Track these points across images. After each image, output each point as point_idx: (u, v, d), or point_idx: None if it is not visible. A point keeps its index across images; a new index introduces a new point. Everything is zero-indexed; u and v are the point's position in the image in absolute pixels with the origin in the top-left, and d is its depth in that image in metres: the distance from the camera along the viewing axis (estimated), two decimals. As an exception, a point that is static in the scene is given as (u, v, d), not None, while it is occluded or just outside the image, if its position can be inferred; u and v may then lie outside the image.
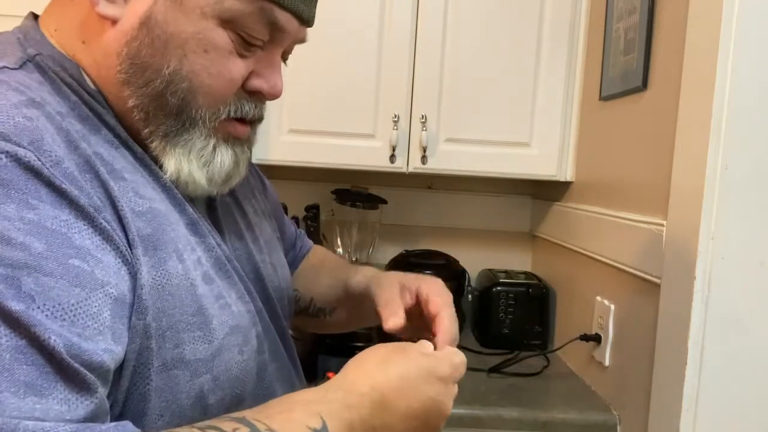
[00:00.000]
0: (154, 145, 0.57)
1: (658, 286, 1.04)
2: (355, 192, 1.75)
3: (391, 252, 1.82)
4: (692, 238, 0.93)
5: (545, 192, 1.74)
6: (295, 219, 1.63)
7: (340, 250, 1.81)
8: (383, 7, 1.48)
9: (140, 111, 0.56)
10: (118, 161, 0.54)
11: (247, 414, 0.50)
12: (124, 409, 0.51)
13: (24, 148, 0.46)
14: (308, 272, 0.92)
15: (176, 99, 0.55)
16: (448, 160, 1.52)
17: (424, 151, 1.50)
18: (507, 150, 1.53)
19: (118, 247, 0.50)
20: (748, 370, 0.92)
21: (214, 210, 0.67)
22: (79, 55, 0.56)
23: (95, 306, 0.46)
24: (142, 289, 0.51)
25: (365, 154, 1.51)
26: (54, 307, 0.43)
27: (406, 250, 1.79)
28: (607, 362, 1.26)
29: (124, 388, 0.51)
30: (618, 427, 1.19)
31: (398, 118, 1.49)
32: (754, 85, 0.89)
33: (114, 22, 0.54)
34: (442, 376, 0.58)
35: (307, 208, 1.67)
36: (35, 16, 0.60)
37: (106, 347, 0.46)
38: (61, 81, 0.54)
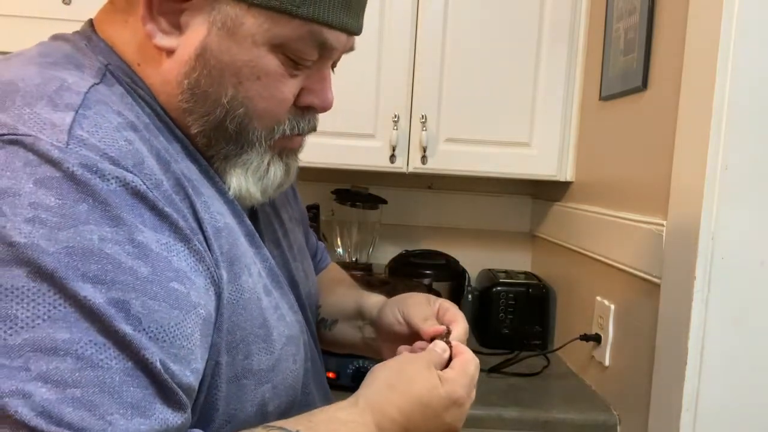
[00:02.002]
0: (216, 166, 0.59)
1: (658, 286, 1.04)
2: (355, 192, 1.75)
3: (391, 252, 1.82)
4: (692, 238, 0.93)
5: (545, 192, 1.74)
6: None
7: (340, 250, 1.81)
8: (383, 7, 1.48)
9: (203, 137, 0.57)
10: (193, 174, 0.55)
11: (301, 425, 0.52)
12: (195, 417, 0.53)
13: (131, 172, 0.47)
14: (323, 283, 0.93)
15: (234, 125, 0.57)
16: (448, 160, 1.52)
17: (424, 151, 1.50)
18: (507, 150, 1.53)
19: (208, 268, 0.51)
20: (748, 370, 0.92)
21: (256, 218, 0.68)
22: (138, 74, 0.56)
23: (189, 327, 0.48)
24: (223, 307, 0.52)
25: (365, 154, 1.51)
26: (157, 329, 0.45)
27: (406, 250, 1.79)
28: (607, 362, 1.26)
29: (201, 400, 0.53)
30: (618, 427, 1.19)
31: (398, 118, 1.49)
32: (754, 85, 0.89)
33: (171, 52, 0.55)
34: (459, 399, 0.61)
35: (307, 208, 1.66)
36: (92, 22, 0.59)
37: (195, 367, 0.48)
38: (134, 93, 0.54)
